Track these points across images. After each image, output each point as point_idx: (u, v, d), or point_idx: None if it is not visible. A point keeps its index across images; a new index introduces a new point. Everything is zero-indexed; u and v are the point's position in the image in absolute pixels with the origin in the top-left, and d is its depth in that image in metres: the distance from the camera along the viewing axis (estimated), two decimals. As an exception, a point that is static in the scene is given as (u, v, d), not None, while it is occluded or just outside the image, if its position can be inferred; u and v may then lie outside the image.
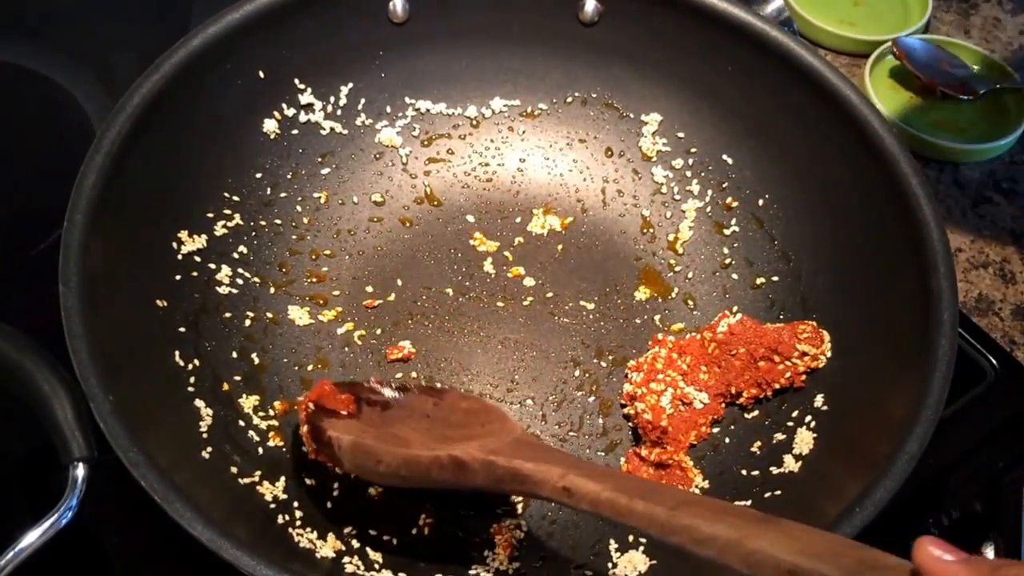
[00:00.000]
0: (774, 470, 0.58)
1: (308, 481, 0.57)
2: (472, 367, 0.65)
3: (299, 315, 0.65)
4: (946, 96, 0.82)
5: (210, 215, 0.64)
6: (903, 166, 0.58)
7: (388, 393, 0.58)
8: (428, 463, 0.51)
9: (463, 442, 0.52)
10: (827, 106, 0.62)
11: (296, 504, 0.55)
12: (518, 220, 0.72)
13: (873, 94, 0.81)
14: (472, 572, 0.55)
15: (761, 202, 0.68)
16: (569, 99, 0.73)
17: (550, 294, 0.68)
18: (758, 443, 0.60)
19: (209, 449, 0.54)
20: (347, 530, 0.56)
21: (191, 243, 0.62)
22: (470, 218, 0.71)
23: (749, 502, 0.56)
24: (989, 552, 0.60)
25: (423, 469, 0.51)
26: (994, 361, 0.65)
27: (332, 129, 0.70)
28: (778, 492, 0.56)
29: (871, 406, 0.55)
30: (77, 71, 0.81)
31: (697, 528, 0.42)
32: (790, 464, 0.57)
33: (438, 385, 0.64)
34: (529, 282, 0.69)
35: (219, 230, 0.64)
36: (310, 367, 0.63)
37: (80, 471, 0.47)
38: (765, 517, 0.42)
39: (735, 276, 0.68)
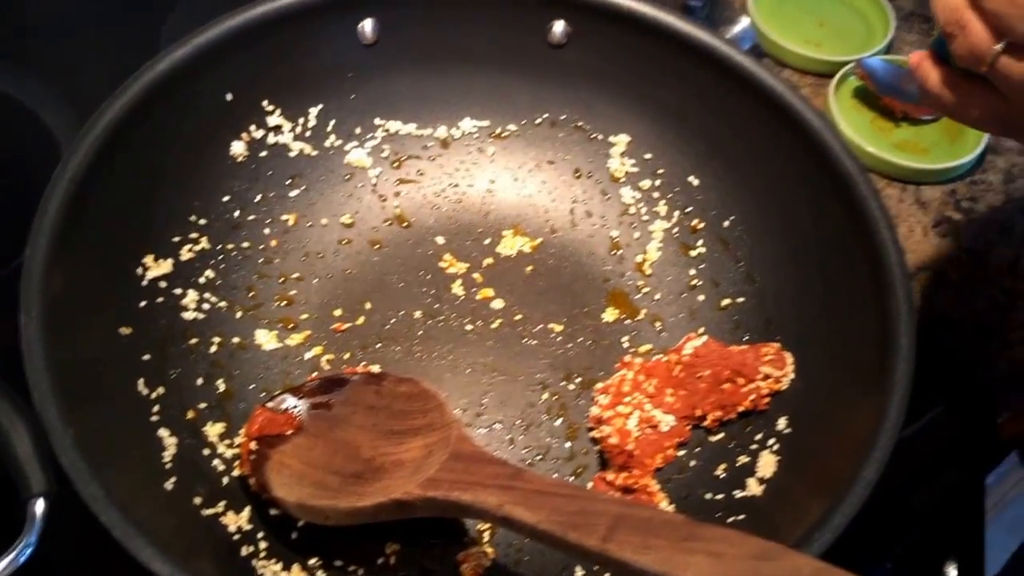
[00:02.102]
0: (738, 494, 0.58)
1: (273, 511, 0.56)
2: (441, 391, 0.64)
3: (266, 339, 0.65)
4: (907, 117, 0.83)
5: (176, 239, 0.64)
6: (862, 189, 0.58)
7: (329, 391, 0.59)
8: (373, 510, 0.52)
9: (408, 440, 0.55)
10: (790, 130, 0.63)
11: (260, 535, 0.55)
12: (487, 242, 0.72)
13: (837, 114, 0.82)
14: (439, 600, 0.56)
15: (727, 223, 0.68)
16: (538, 120, 0.73)
17: (519, 316, 0.69)
18: (723, 466, 0.60)
19: (173, 480, 0.54)
20: (312, 561, 0.55)
21: (157, 268, 0.62)
22: (440, 239, 0.72)
23: (713, 526, 0.57)
24: (952, 572, 0.61)
25: (369, 514, 0.52)
26: (954, 380, 0.66)
27: (301, 151, 0.70)
28: (741, 516, 0.56)
29: (832, 428, 0.56)
30: (44, 91, 0.81)
31: (627, 563, 0.44)
32: (753, 488, 0.58)
33: (374, 369, 0.64)
34: (498, 304, 0.69)
35: (185, 254, 0.64)
36: (277, 393, 0.63)
37: (39, 506, 0.47)
38: (693, 533, 0.44)
39: (701, 297, 0.68)
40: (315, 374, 0.64)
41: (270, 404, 0.59)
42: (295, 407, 0.59)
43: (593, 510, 0.47)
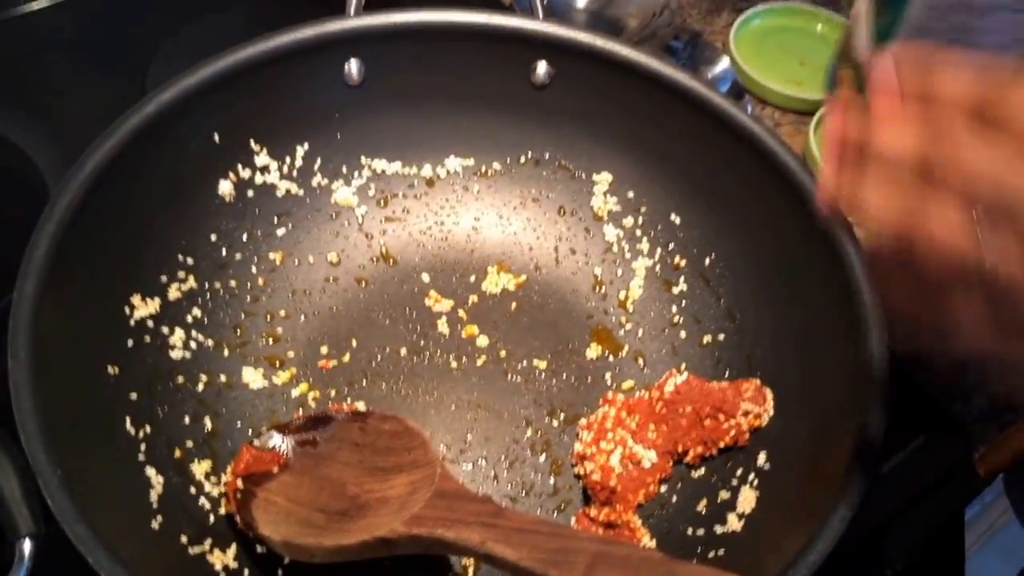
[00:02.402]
0: (718, 529, 0.59)
1: (259, 549, 0.57)
2: (426, 428, 0.65)
3: (253, 377, 0.66)
4: (887, 154, 0.84)
5: (164, 279, 0.64)
6: (837, 231, 0.59)
7: (315, 429, 0.60)
8: (358, 548, 0.52)
9: (393, 477, 0.55)
10: (767, 171, 0.64)
11: (247, 573, 0.56)
12: (472, 279, 0.73)
13: (817, 152, 0.83)
14: (424, 636, 0.56)
15: (708, 261, 0.69)
16: (522, 159, 0.74)
17: (503, 353, 0.69)
18: (704, 501, 0.61)
19: (159, 519, 0.54)
20: (297, 598, 0.56)
21: (144, 308, 0.62)
22: (425, 277, 0.73)
23: (694, 561, 0.57)
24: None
25: (354, 552, 0.53)
26: (932, 415, 0.67)
27: (288, 190, 0.71)
28: (721, 552, 0.57)
29: (809, 465, 0.57)
30: (32, 129, 0.82)
31: None
32: (733, 523, 0.58)
33: (360, 406, 0.65)
34: (483, 341, 0.70)
35: (173, 293, 0.64)
36: (263, 431, 0.63)
37: (27, 546, 0.47)
38: (671, 571, 0.45)
39: (683, 334, 0.69)
40: (300, 411, 0.65)
41: (256, 442, 0.59)
42: (281, 445, 0.59)
43: (573, 548, 0.47)
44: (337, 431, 0.60)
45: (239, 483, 0.57)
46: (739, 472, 0.61)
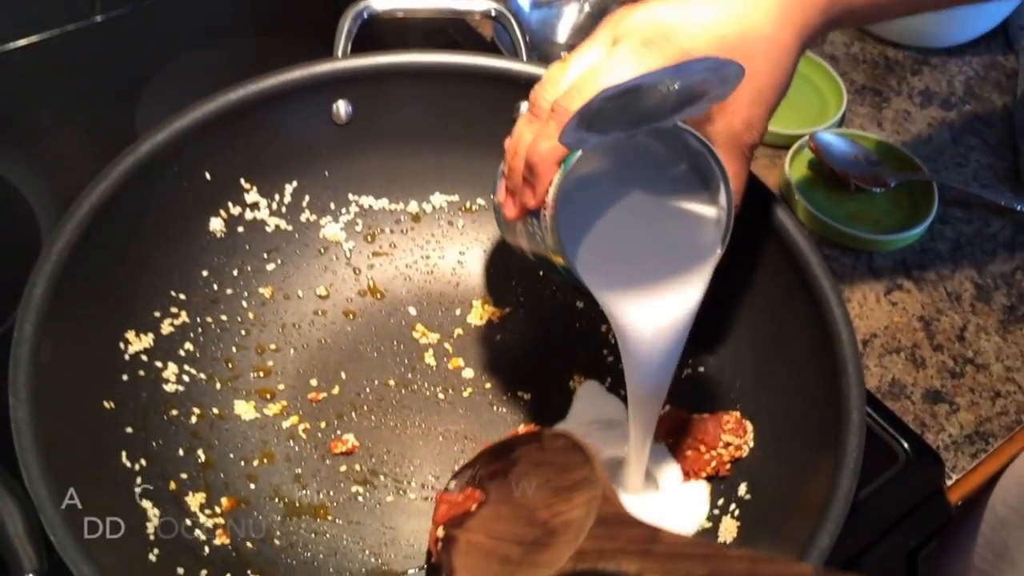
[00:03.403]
0: (701, 558, 0.60)
1: (254, 579, 0.58)
2: (414, 459, 0.67)
3: (245, 410, 0.67)
4: (859, 188, 0.87)
5: (157, 314, 0.66)
6: (815, 269, 0.61)
7: (500, 459, 0.60)
8: None
9: (575, 496, 0.55)
10: (749, 211, 0.66)
11: (241, 603, 0.57)
12: (458, 312, 0.74)
13: (793, 185, 0.86)
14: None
15: (688, 295, 0.71)
16: (506, 194, 0.76)
17: (488, 384, 0.71)
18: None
19: (156, 551, 0.55)
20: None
21: (138, 343, 0.63)
22: (412, 310, 0.74)
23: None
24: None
25: None
26: (905, 444, 0.69)
27: (277, 226, 0.72)
28: (704, 580, 0.59)
29: (788, 496, 0.59)
30: (20, 163, 0.83)
31: None
32: (716, 552, 0.60)
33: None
34: (468, 373, 0.71)
35: (165, 328, 0.66)
36: (255, 462, 0.65)
37: (31, 584, 0.48)
38: None
39: (664, 366, 0.71)
40: (292, 443, 0.66)
41: (451, 485, 0.60)
42: (474, 481, 0.59)
43: (725, 571, 0.49)
44: (520, 454, 0.59)
45: (440, 532, 0.57)
46: (720, 502, 0.63)
